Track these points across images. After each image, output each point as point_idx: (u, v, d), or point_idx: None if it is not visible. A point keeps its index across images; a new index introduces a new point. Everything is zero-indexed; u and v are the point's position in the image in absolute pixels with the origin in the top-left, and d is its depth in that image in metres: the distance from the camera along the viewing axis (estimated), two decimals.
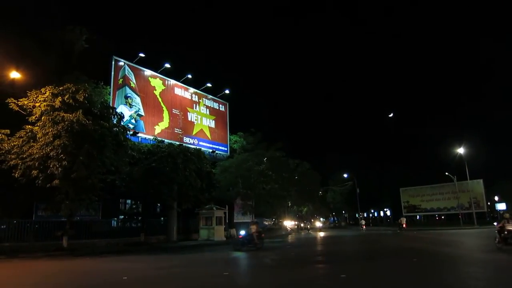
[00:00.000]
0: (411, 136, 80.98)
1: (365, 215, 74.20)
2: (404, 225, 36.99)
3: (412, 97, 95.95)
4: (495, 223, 18.60)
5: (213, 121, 36.83)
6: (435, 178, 49.09)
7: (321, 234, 37.05)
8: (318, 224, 44.30)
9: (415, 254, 14.08)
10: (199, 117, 35.12)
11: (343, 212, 71.49)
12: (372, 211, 79.39)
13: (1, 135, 17.42)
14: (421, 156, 67.09)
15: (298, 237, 33.94)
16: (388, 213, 72.50)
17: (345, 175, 60.42)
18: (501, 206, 56.34)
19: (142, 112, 28.97)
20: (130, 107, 27.95)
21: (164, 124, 30.92)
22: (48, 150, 16.09)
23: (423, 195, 51.27)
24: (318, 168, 48.96)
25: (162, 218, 27.98)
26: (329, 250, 17.79)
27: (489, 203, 52.17)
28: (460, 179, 42.06)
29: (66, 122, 16.17)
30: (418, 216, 56.97)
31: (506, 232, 13.87)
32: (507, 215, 14.47)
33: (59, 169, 15.94)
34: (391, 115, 60.87)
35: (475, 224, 37.16)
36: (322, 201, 62.92)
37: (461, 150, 40.83)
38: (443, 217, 56.63)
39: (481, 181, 44.38)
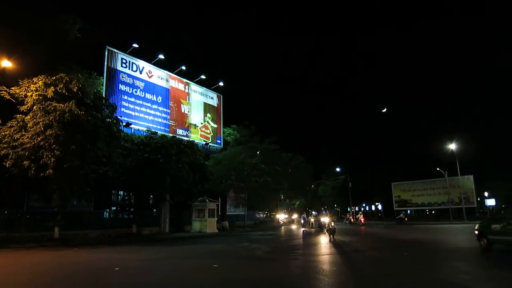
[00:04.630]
0: (403, 131, 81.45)
1: (356, 209, 74.86)
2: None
3: (405, 93, 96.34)
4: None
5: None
6: (426, 173, 49.55)
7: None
8: (326, 219, 35.82)
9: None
10: None
11: (335, 205, 71.96)
12: (364, 205, 79.97)
13: None
14: (413, 151, 67.55)
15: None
16: (380, 207, 73.08)
17: (338, 169, 60.79)
18: (491, 202, 57.19)
19: None
20: None
21: None
22: (39, 139, 15.99)
23: (414, 190, 51.68)
24: (310, 161, 49.13)
25: (154, 210, 27.98)
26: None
27: (479, 199, 52.79)
28: (451, 175, 42.56)
29: (58, 112, 16.05)
30: (409, 211, 57.51)
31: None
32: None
33: (52, 159, 15.86)
34: (384, 110, 61.36)
35: (464, 219, 37.71)
36: (314, 195, 63.40)
37: (452, 146, 41.34)
38: (433, 212, 57.28)
39: (471, 177, 44.82)
